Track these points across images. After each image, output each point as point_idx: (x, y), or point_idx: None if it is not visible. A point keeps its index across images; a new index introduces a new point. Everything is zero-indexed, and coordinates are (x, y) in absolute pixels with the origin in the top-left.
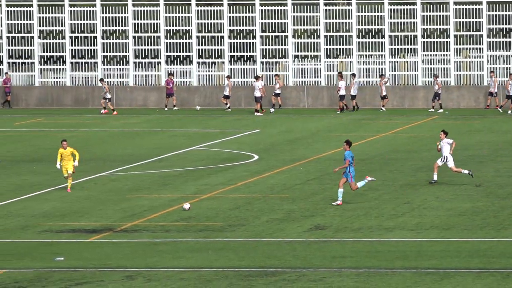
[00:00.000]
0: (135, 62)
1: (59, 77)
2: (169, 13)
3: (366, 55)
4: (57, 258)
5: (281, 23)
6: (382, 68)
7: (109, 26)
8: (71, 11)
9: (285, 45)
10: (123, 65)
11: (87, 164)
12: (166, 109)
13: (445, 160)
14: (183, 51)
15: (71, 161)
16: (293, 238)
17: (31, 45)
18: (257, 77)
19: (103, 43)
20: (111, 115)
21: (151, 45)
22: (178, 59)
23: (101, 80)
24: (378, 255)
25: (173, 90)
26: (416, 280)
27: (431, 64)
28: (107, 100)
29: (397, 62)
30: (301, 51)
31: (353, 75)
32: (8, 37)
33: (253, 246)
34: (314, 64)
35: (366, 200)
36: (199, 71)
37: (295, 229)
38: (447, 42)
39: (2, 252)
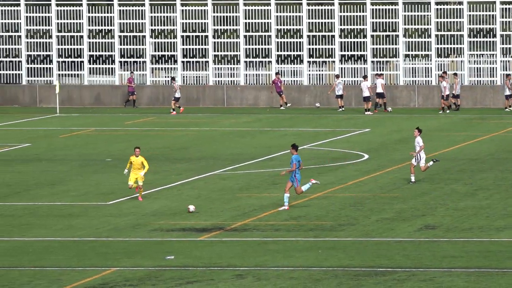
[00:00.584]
0: (246, 61)
1: (170, 76)
2: (280, 12)
3: (477, 55)
4: (168, 256)
5: (392, 22)
6: (493, 68)
7: (220, 25)
8: (182, 10)
9: (395, 44)
10: (234, 64)
11: (198, 163)
12: (281, 108)
13: (418, 160)
14: (293, 50)
15: (140, 170)
16: (403, 238)
17: (143, 44)
18: (365, 77)
19: (214, 42)
20: (178, 114)
21: (261, 44)
22: (289, 58)
23: (173, 79)
24: (488, 255)
25: (281, 89)
26: None
27: None
28: (174, 100)
29: (509, 61)
30: (411, 51)
31: (455, 74)
32: (120, 36)
33: (363, 245)
34: (425, 64)
35: (477, 199)
36: (309, 70)
37: (405, 229)
38: None
39: (113, 251)
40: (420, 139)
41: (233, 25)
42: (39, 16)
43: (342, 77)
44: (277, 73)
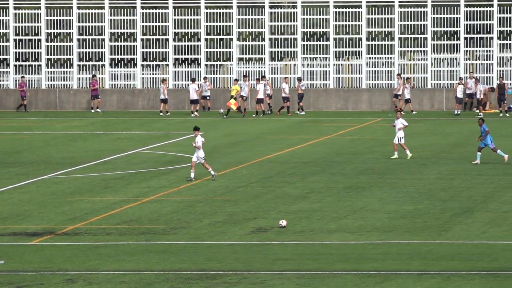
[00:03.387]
0: (79, 65)
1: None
2: (113, 16)
3: (310, 58)
4: None
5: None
6: (326, 72)
7: (55, 28)
8: (14, 13)
9: (230, 48)
10: (66, 68)
11: (30, 167)
12: (92, 111)
13: None
14: (127, 54)
15: None
16: (234, 241)
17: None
18: (193, 80)
19: (47, 46)
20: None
21: (95, 48)
22: (122, 61)
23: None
24: (319, 258)
25: (97, 92)
26: (357, 283)
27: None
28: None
29: (342, 65)
30: (245, 54)
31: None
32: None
33: (194, 249)
34: (258, 67)
35: (309, 202)
36: (143, 74)
37: (236, 232)
38: (392, 44)
39: None
40: None
41: (67, 29)
42: None
43: (176, 81)
44: (93, 76)
